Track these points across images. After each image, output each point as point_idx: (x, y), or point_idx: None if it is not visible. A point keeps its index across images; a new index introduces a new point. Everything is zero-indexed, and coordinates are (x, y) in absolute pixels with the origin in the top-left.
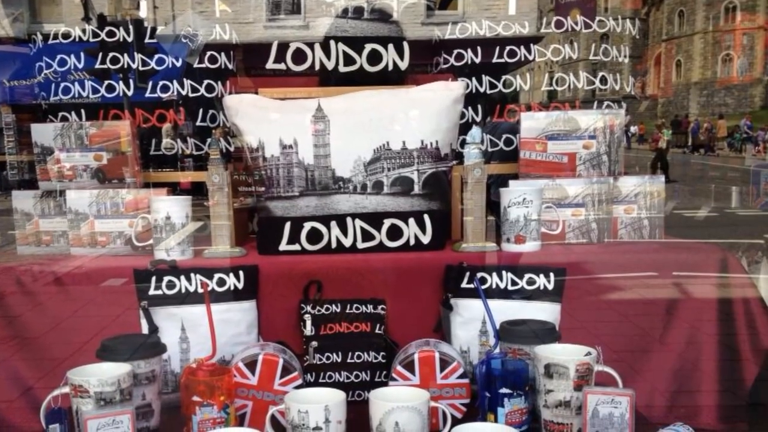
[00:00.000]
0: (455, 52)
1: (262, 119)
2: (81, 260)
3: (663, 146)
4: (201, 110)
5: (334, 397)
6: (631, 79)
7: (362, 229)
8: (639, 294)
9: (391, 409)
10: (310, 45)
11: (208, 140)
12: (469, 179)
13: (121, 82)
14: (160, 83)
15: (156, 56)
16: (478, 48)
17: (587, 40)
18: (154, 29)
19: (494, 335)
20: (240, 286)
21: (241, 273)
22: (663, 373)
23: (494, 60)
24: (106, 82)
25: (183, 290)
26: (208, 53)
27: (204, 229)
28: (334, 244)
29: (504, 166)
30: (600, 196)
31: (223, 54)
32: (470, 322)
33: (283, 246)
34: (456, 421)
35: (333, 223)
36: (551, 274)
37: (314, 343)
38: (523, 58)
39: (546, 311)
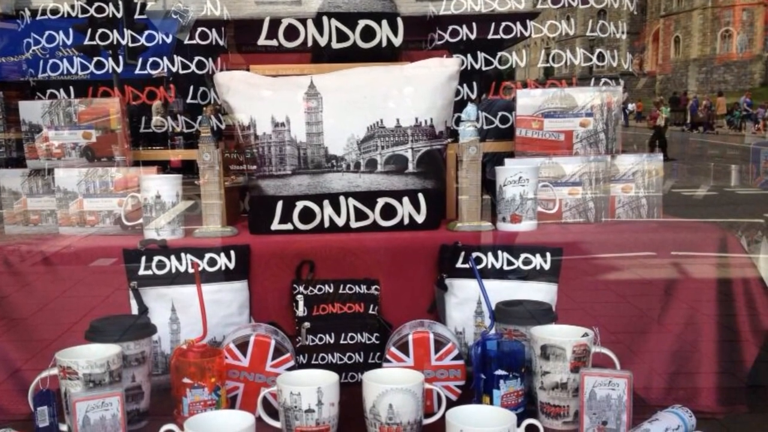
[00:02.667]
0: (450, 28)
1: (254, 96)
2: (69, 240)
3: (661, 124)
4: (191, 87)
5: (327, 379)
6: (629, 55)
7: (355, 208)
8: (637, 274)
9: (385, 391)
10: (303, 21)
11: (199, 118)
12: (464, 157)
13: (110, 59)
14: (150, 60)
15: (146, 32)
16: (474, 24)
17: (584, 16)
18: (143, 5)
19: (490, 316)
20: (231, 266)
21: (232, 253)
22: (661, 355)
23: (490, 36)
24: (95, 59)
25: (173, 270)
26: (199, 29)
27: (195, 208)
28: (327, 224)
29: (499, 144)
30: (597, 175)
31: (214, 30)
32: (465, 302)
33: (276, 225)
34: (451, 404)
35: (326, 202)
36: (548, 254)
37: (307, 324)
38: (519, 35)
39: (542, 291)
